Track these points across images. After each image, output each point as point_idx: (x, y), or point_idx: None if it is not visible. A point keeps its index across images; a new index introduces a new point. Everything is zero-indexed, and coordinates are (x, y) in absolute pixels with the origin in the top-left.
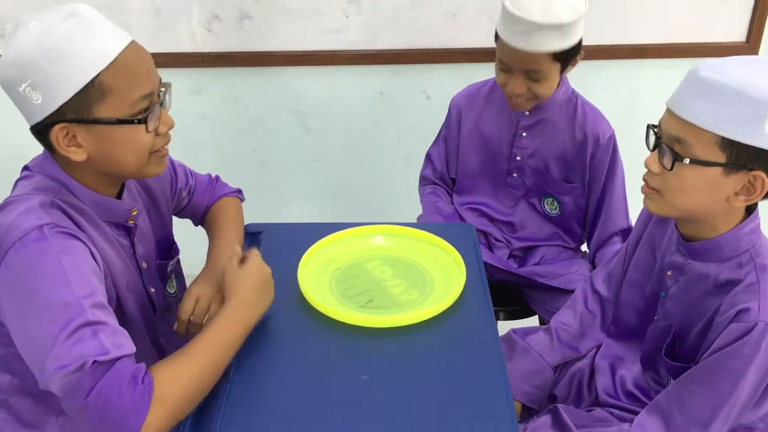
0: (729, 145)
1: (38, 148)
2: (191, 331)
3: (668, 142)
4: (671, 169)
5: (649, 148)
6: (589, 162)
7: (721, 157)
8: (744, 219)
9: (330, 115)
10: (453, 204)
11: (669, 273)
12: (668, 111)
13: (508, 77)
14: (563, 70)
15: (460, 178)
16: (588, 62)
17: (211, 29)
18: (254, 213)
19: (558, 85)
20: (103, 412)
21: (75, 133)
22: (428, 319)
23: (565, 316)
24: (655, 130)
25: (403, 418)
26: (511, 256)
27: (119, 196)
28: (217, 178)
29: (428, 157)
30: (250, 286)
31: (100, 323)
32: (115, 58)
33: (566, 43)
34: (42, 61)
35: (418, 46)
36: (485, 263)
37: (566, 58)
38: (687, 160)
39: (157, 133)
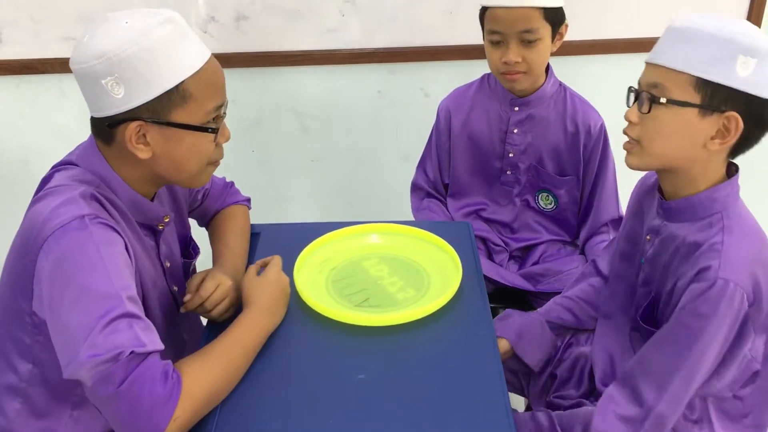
0: (703, 86)
1: (41, 153)
2: (197, 311)
3: (646, 89)
4: (649, 111)
5: (628, 106)
6: (582, 153)
7: (696, 98)
8: (720, 181)
9: (328, 114)
10: (449, 213)
11: (648, 237)
12: (646, 65)
13: (502, 50)
14: (553, 38)
15: (453, 181)
16: (585, 57)
17: (207, 31)
18: (254, 213)
19: (545, 78)
20: (135, 402)
21: (146, 132)
22: (425, 317)
23: (565, 293)
24: (634, 89)
25: (400, 416)
26: (511, 257)
27: (152, 199)
28: (231, 184)
29: (420, 165)
30: (269, 294)
31: (135, 316)
32: (200, 68)
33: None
34: (135, 60)
35: (416, 44)
36: (485, 276)
37: (555, 20)
38: (663, 100)
39: (216, 144)
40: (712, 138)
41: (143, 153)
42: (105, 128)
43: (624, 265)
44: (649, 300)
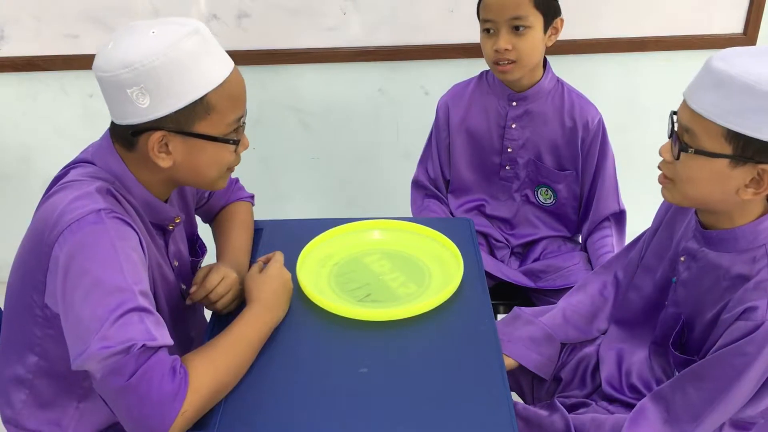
0: (735, 138)
1: (42, 150)
2: (202, 302)
3: (679, 132)
4: (678, 158)
5: (668, 136)
6: (580, 148)
7: (727, 149)
8: (765, 213)
9: (329, 112)
10: (450, 211)
11: (682, 258)
12: (683, 101)
13: (493, 39)
14: (546, 28)
15: (454, 177)
16: (586, 56)
17: (209, 28)
18: (255, 211)
19: (543, 74)
20: (144, 395)
21: (168, 141)
22: (426, 312)
23: (575, 298)
24: (675, 118)
25: (402, 410)
26: (512, 254)
27: (165, 200)
28: (236, 180)
29: (421, 162)
30: (272, 289)
31: (147, 311)
32: (224, 81)
33: None
34: (161, 71)
35: (416, 42)
36: (486, 272)
37: (547, 11)
38: (692, 150)
39: (236, 153)
40: (746, 186)
41: (165, 162)
42: (127, 135)
43: (645, 277)
44: (680, 326)
